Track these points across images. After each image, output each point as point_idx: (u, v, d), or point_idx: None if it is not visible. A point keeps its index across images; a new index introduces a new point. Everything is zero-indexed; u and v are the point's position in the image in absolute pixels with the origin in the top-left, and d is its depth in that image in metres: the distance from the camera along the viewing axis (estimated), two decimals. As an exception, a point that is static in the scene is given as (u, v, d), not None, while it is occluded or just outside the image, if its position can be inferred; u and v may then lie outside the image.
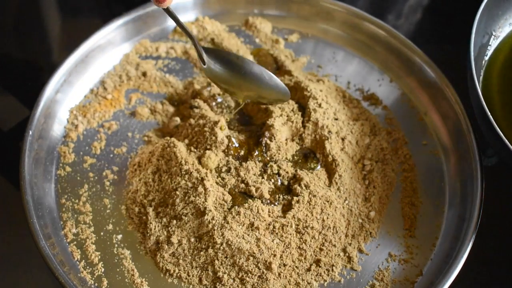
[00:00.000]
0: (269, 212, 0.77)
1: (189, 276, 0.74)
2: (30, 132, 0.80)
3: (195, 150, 0.81)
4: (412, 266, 0.77)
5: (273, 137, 0.82)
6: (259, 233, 0.75)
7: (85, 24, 1.06)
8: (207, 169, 0.79)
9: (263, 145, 0.81)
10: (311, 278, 0.75)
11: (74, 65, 0.88)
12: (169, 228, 0.75)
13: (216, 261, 0.73)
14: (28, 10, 1.08)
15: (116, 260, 0.75)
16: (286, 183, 0.80)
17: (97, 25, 0.91)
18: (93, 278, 0.74)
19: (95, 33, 0.90)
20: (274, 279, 0.73)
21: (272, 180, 0.80)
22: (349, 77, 0.94)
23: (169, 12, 0.73)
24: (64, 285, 0.70)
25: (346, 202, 0.79)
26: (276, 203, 0.79)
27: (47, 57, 1.04)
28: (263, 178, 0.80)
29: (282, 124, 0.83)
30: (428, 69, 0.90)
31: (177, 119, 0.87)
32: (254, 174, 0.80)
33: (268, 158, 0.81)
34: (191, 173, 0.78)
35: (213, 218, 0.74)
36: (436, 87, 0.89)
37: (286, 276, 0.74)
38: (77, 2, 1.10)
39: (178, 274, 0.74)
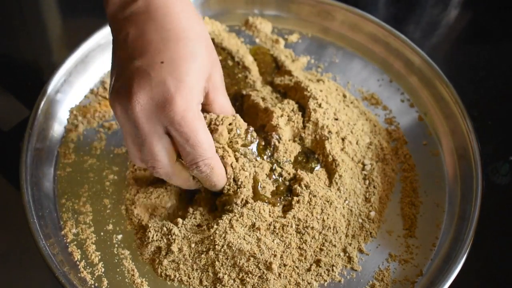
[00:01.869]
0: (269, 212, 0.77)
1: (190, 278, 0.74)
2: (30, 132, 0.80)
3: None
4: (412, 266, 0.77)
5: (280, 137, 0.81)
6: (260, 233, 0.74)
7: (85, 24, 1.06)
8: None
9: (272, 146, 0.81)
10: (311, 278, 0.75)
11: (74, 65, 0.88)
12: (169, 236, 0.75)
13: (217, 263, 0.73)
14: (28, 10, 1.08)
15: (116, 260, 0.75)
16: (287, 183, 0.80)
17: (97, 25, 0.91)
18: (93, 278, 0.74)
19: (95, 33, 0.90)
20: (274, 279, 0.73)
21: (277, 183, 0.80)
22: (349, 77, 0.94)
23: None
24: (64, 285, 0.70)
25: (346, 202, 0.79)
26: (278, 204, 0.78)
27: (47, 57, 1.04)
28: (268, 178, 0.79)
29: (284, 125, 0.83)
30: (428, 69, 0.90)
31: None
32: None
33: (274, 159, 0.81)
34: None
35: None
36: (436, 87, 0.89)
37: (286, 276, 0.74)
38: (77, 2, 1.10)
39: (179, 278, 0.74)
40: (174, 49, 0.66)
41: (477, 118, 0.85)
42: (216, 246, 0.73)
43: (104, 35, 0.90)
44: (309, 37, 0.98)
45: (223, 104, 0.74)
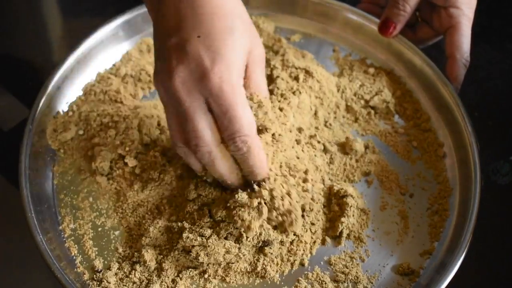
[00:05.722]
0: None
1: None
2: (30, 127, 0.80)
3: None
4: (409, 268, 0.76)
5: None
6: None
7: (85, 24, 1.07)
8: None
9: None
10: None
11: (76, 62, 0.87)
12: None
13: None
14: (28, 10, 1.09)
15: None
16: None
17: (97, 25, 0.91)
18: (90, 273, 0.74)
19: (97, 30, 0.90)
20: None
21: None
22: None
23: None
24: (60, 279, 0.70)
25: None
26: None
27: (47, 57, 1.04)
28: None
29: None
30: (429, 70, 0.90)
31: None
32: None
33: None
34: None
35: None
36: (436, 87, 0.89)
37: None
38: (77, 2, 1.11)
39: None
40: (210, 23, 0.67)
41: (477, 119, 0.85)
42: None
43: (106, 33, 0.90)
44: (311, 37, 0.98)
45: (258, 82, 0.73)
